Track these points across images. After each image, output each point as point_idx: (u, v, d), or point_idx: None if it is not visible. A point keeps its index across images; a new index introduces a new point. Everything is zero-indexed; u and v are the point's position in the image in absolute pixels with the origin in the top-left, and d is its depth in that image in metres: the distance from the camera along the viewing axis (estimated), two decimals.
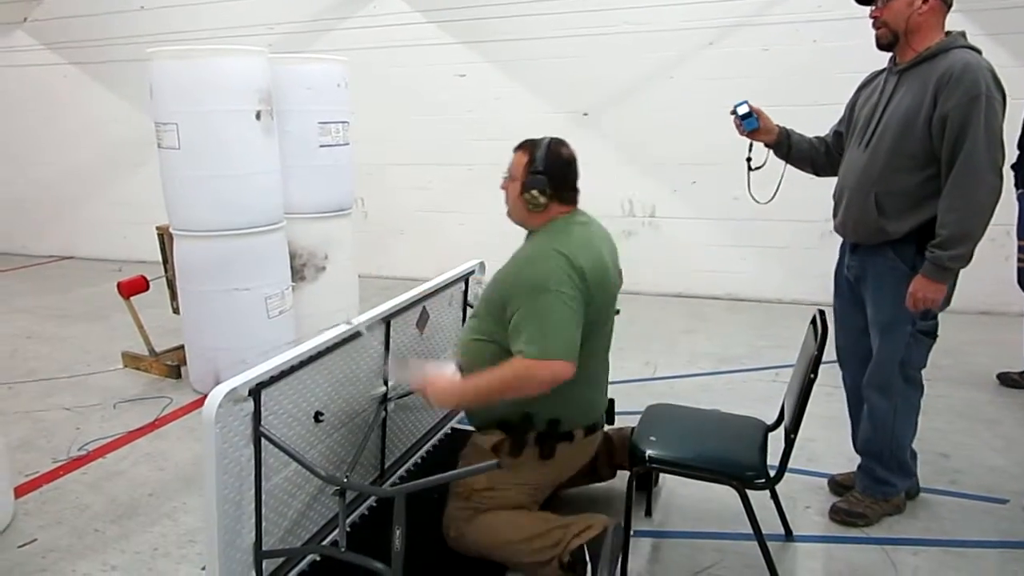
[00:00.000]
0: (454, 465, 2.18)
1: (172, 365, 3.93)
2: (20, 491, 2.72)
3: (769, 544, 2.06)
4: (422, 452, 2.81)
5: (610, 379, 3.51)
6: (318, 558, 2.17)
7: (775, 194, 2.55)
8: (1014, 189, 3.46)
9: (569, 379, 1.90)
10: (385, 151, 5.90)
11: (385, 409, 2.43)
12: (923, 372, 2.33)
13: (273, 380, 1.91)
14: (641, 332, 4.53)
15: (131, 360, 4.08)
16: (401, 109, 5.91)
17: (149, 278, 4.11)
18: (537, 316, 1.90)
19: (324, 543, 2.18)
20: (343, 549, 1.95)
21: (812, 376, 1.91)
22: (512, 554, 2.03)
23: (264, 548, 1.97)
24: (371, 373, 2.37)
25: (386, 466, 2.55)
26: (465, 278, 2.92)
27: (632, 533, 2.16)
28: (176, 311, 3.98)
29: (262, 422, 1.89)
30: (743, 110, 2.44)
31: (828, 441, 2.94)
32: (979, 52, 2.10)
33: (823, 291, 4.77)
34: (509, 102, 5.62)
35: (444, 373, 2.07)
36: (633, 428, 2.29)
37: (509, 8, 5.46)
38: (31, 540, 2.43)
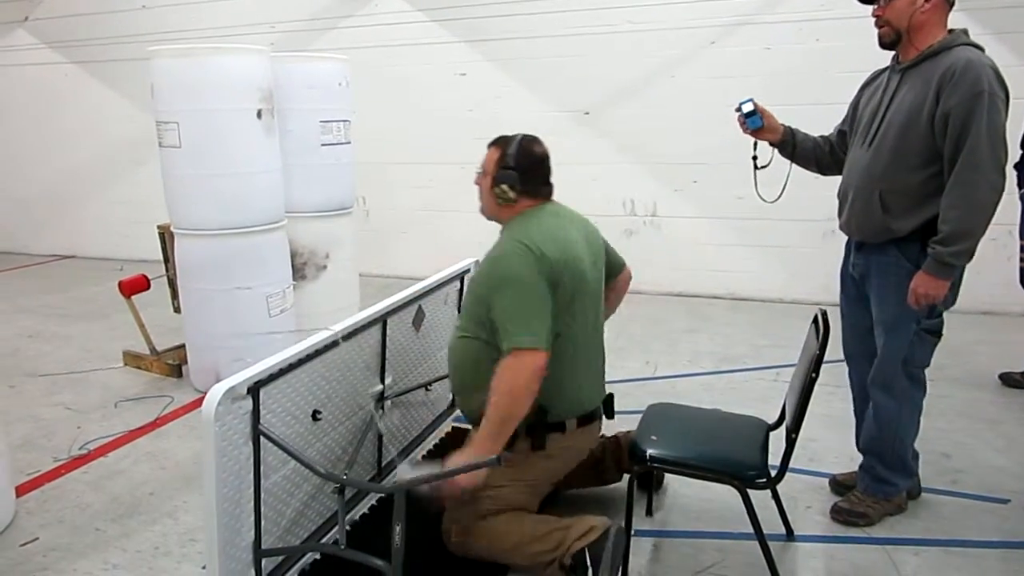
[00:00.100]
0: None
1: (173, 364, 3.93)
2: (21, 490, 2.73)
3: (770, 544, 2.06)
4: (421, 451, 2.81)
5: (612, 378, 3.50)
6: (318, 556, 2.17)
7: (782, 193, 2.54)
8: (1016, 189, 3.45)
9: (545, 366, 1.91)
10: (386, 150, 5.89)
11: (382, 407, 2.43)
12: (925, 372, 2.32)
13: (272, 378, 1.91)
14: (642, 331, 4.53)
15: (132, 359, 4.08)
16: (402, 108, 5.91)
17: (150, 277, 4.12)
18: (507, 311, 1.94)
19: (323, 541, 2.18)
20: (343, 547, 1.95)
21: (814, 375, 1.91)
22: (513, 557, 2.03)
23: (263, 546, 1.97)
24: (368, 371, 2.36)
25: (383, 464, 2.55)
26: (460, 277, 2.92)
27: (633, 532, 2.16)
28: (177, 310, 3.98)
29: (261, 420, 1.89)
30: (747, 108, 2.43)
31: (829, 441, 2.93)
32: (982, 50, 2.10)
33: (825, 290, 4.82)
34: (510, 101, 5.62)
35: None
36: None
37: (510, 7, 5.45)
38: (32, 539, 2.43)
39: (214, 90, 3.33)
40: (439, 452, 2.80)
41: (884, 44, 2.21)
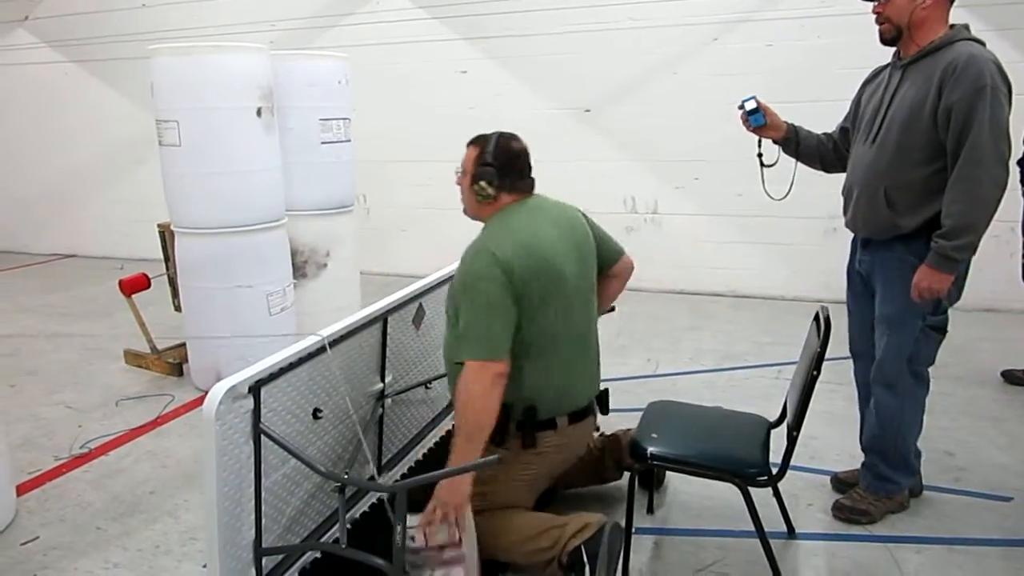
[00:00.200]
0: None
1: (174, 363, 3.92)
2: (22, 489, 2.73)
3: (771, 542, 2.05)
4: (422, 448, 2.80)
5: (613, 376, 3.50)
6: (319, 555, 2.17)
7: (789, 190, 2.53)
8: (1020, 186, 3.43)
9: (508, 372, 1.91)
10: (387, 148, 5.89)
11: (383, 405, 2.43)
12: (929, 369, 2.31)
13: (272, 377, 1.90)
14: (644, 329, 4.52)
15: (133, 358, 4.08)
16: (403, 106, 5.90)
17: (151, 276, 4.12)
18: (467, 320, 1.94)
19: (324, 540, 2.18)
20: (344, 546, 1.94)
21: (815, 373, 1.90)
22: (511, 555, 2.03)
23: (264, 545, 1.96)
24: (368, 370, 2.36)
25: (383, 462, 2.55)
26: None
27: (634, 530, 2.15)
28: (178, 308, 3.98)
29: (262, 419, 1.89)
30: (750, 106, 2.42)
31: (831, 438, 2.92)
32: (983, 45, 2.09)
33: (827, 288, 4.82)
34: (511, 99, 5.61)
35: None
36: None
37: (511, 4, 5.44)
38: (33, 538, 2.43)
39: (214, 88, 3.32)
40: (439, 451, 2.80)
41: (885, 41, 2.20)
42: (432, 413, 2.91)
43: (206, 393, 1.73)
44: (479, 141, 2.16)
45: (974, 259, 2.13)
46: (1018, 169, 3.43)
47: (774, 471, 2.01)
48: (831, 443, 2.89)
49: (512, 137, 2.17)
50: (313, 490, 2.18)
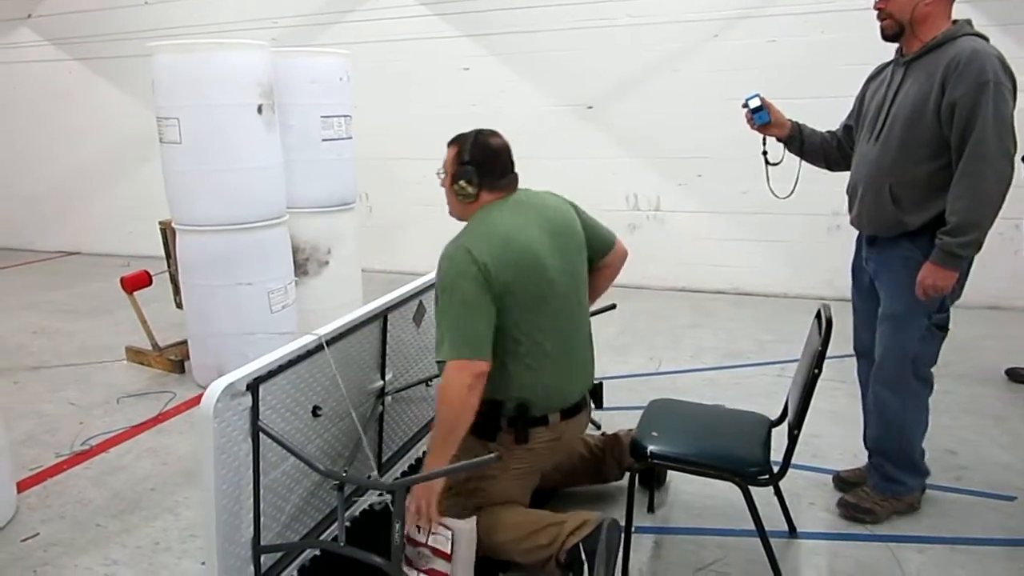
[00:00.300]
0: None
1: (175, 360, 3.93)
2: (23, 485, 2.74)
3: (773, 541, 2.04)
4: (422, 446, 2.80)
5: (615, 373, 3.49)
6: (318, 552, 2.17)
7: (794, 188, 2.52)
8: None
9: (488, 371, 1.88)
10: (390, 145, 5.88)
11: (383, 403, 2.42)
12: (932, 369, 2.29)
13: (271, 375, 1.90)
14: (646, 327, 4.51)
15: (135, 355, 4.08)
16: (406, 103, 5.89)
17: (154, 273, 4.12)
18: (445, 320, 1.93)
19: (323, 537, 2.18)
20: (342, 544, 1.94)
21: (816, 371, 1.89)
22: (508, 553, 2.02)
23: (263, 543, 1.96)
24: (368, 367, 2.36)
25: (384, 460, 2.54)
26: None
27: (634, 529, 2.14)
28: (179, 306, 3.98)
29: (260, 416, 1.88)
30: (755, 103, 2.40)
31: (834, 437, 2.91)
32: (987, 40, 2.06)
33: (830, 285, 4.80)
34: (513, 96, 5.59)
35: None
36: None
37: (513, 1, 5.42)
38: (33, 534, 2.44)
39: (214, 85, 3.32)
40: None
41: (887, 37, 2.18)
42: (432, 411, 2.90)
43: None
44: (458, 140, 2.12)
45: (978, 256, 2.10)
46: (1022, 165, 3.40)
47: (775, 470, 2.00)
48: (834, 442, 2.88)
49: (491, 134, 2.12)
50: (313, 488, 2.18)
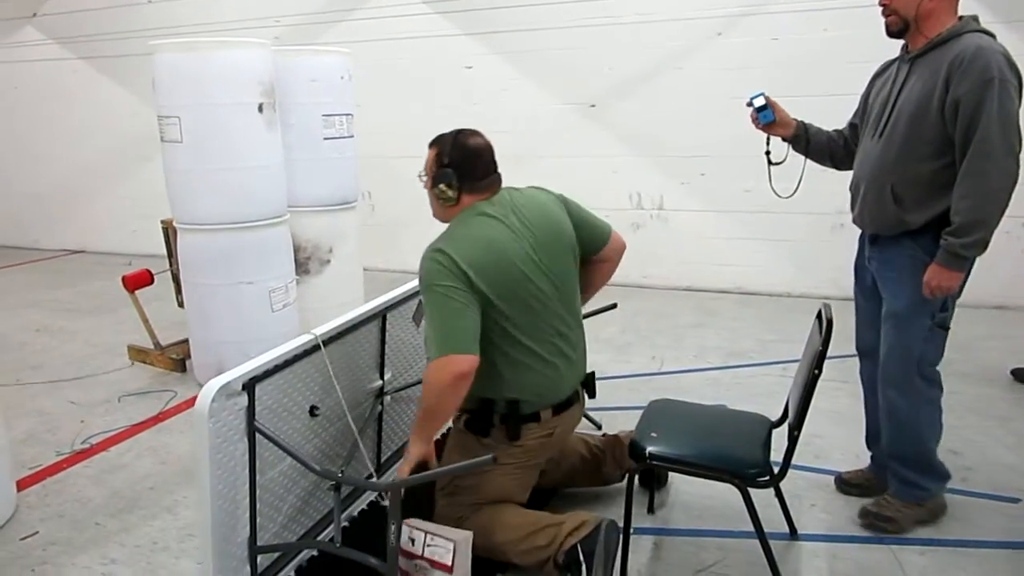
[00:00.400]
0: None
1: (177, 358, 3.93)
2: (24, 484, 2.74)
3: (773, 543, 2.02)
4: None
5: (617, 373, 3.48)
6: (316, 553, 2.16)
7: (797, 188, 2.49)
8: None
9: (472, 370, 1.87)
10: (393, 143, 5.87)
11: (381, 403, 2.41)
12: (938, 369, 2.24)
13: (267, 374, 1.89)
14: (648, 326, 4.49)
15: (136, 353, 4.09)
16: (409, 101, 5.88)
17: (156, 272, 4.13)
18: (429, 317, 1.91)
19: (320, 538, 2.17)
20: (338, 544, 1.93)
21: (816, 372, 1.86)
22: (506, 554, 2.01)
23: (259, 543, 1.96)
24: (367, 367, 2.35)
25: (382, 460, 2.53)
26: None
27: (632, 531, 2.13)
28: (181, 305, 3.98)
29: (256, 416, 1.88)
30: (759, 102, 2.37)
31: (836, 437, 2.89)
32: (993, 37, 2.03)
33: (834, 284, 4.76)
34: (516, 94, 5.58)
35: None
36: None
37: None
38: (32, 533, 2.44)
39: (215, 84, 3.32)
40: (438, 450, 2.78)
41: (891, 33, 2.15)
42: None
43: None
44: (437, 142, 2.08)
45: (984, 255, 2.07)
46: None
47: (776, 471, 1.98)
48: (836, 442, 2.86)
49: (471, 134, 2.08)
50: (310, 488, 2.17)
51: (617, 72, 5.29)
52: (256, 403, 1.88)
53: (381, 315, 2.36)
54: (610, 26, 5.20)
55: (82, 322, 4.90)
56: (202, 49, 3.34)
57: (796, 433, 1.93)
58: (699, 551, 2.23)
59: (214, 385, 1.75)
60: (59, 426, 3.27)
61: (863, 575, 2.10)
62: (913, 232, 2.12)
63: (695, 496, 2.51)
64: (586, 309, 3.14)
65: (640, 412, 2.33)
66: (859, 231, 2.38)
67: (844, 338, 2.44)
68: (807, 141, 2.43)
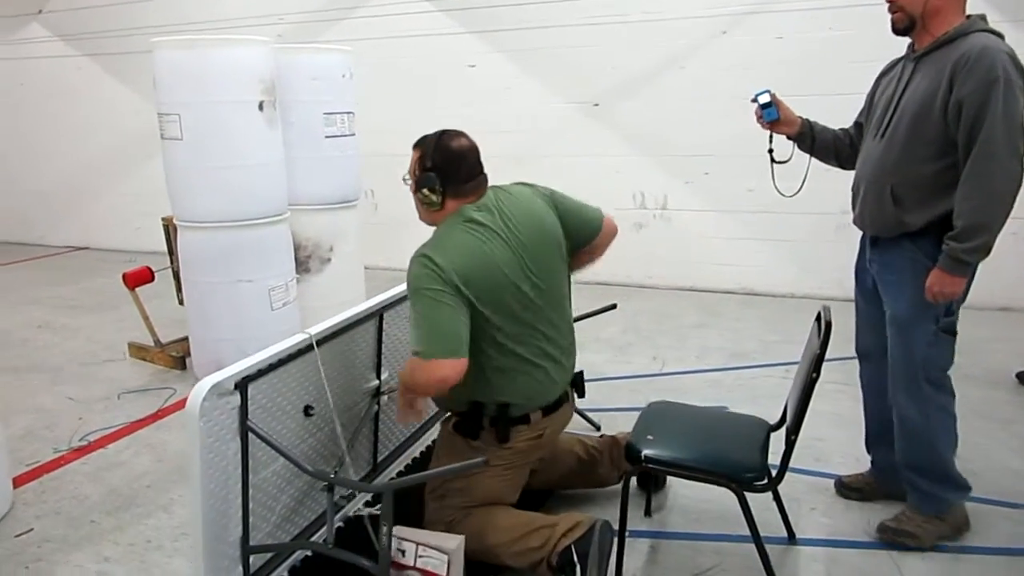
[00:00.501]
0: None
1: (177, 356, 3.93)
2: (21, 480, 2.74)
3: (772, 547, 2.01)
4: (419, 446, 2.78)
5: (618, 374, 3.45)
6: (310, 553, 2.15)
7: (801, 187, 2.45)
8: None
9: (463, 373, 1.86)
10: (396, 142, 5.80)
11: (378, 403, 2.40)
12: (948, 374, 2.20)
13: (261, 374, 1.88)
14: (650, 326, 4.47)
15: (137, 350, 4.09)
16: (412, 99, 5.87)
17: (157, 269, 4.13)
18: (416, 319, 1.89)
19: (314, 539, 2.15)
20: (330, 545, 1.92)
21: (814, 375, 1.84)
22: (499, 556, 1.99)
23: (252, 543, 1.94)
24: (363, 366, 2.33)
25: (379, 461, 2.52)
26: None
27: (628, 533, 2.10)
28: (182, 302, 3.97)
29: (249, 416, 1.87)
30: (764, 100, 2.33)
31: (837, 440, 2.86)
32: (1001, 36, 2.00)
33: (838, 285, 4.72)
34: (519, 92, 5.56)
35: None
36: None
37: None
38: (28, 530, 2.43)
39: (215, 82, 3.31)
40: (431, 453, 2.77)
41: (897, 30, 2.11)
42: (430, 412, 2.88)
43: None
44: (420, 144, 2.04)
45: (990, 256, 2.03)
46: None
47: (774, 474, 1.95)
48: (837, 445, 2.83)
49: (455, 135, 2.03)
50: (305, 488, 2.16)
51: (621, 71, 5.26)
52: (249, 402, 1.87)
53: (378, 314, 2.35)
54: (614, 24, 5.17)
55: (84, 319, 4.91)
56: (202, 46, 3.33)
57: (793, 437, 1.91)
58: (696, 555, 2.21)
59: (205, 384, 1.74)
60: (58, 423, 3.27)
61: None
62: (913, 234, 2.08)
63: (693, 499, 2.48)
64: (586, 308, 3.14)
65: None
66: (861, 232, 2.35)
67: (846, 340, 2.41)
68: (812, 139, 2.40)
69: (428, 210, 2.04)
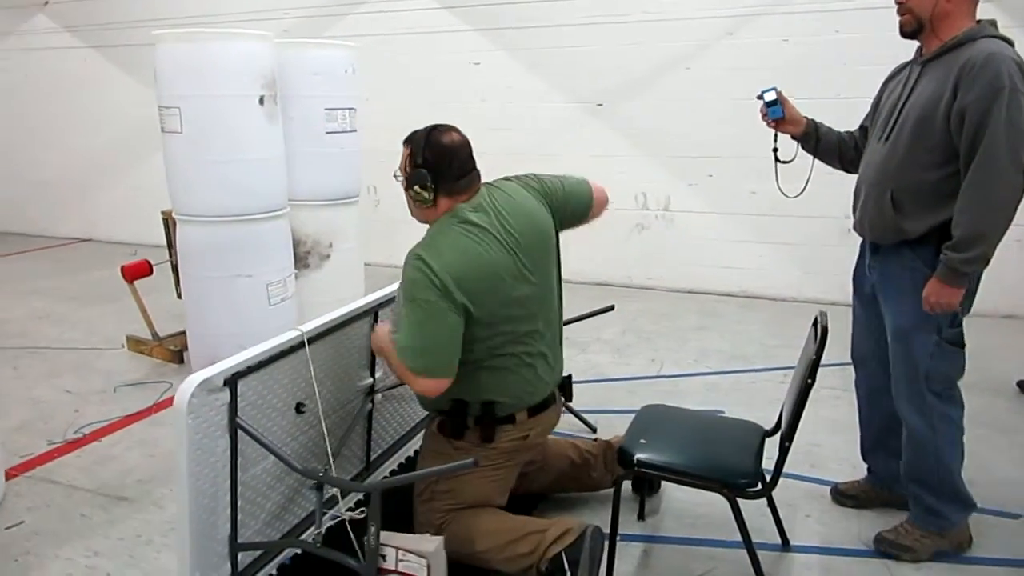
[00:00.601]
0: None
1: (175, 350, 3.93)
2: (13, 472, 2.74)
3: (766, 553, 1.99)
4: (413, 445, 2.76)
5: (615, 376, 3.43)
6: (300, 552, 2.14)
7: (804, 188, 2.41)
8: None
9: (444, 389, 1.89)
10: (399, 139, 5.82)
11: (372, 401, 2.38)
12: (958, 385, 2.15)
13: (251, 370, 1.87)
14: (650, 328, 4.44)
15: (135, 344, 4.09)
16: (415, 96, 5.86)
17: (155, 263, 4.12)
18: (406, 325, 1.88)
19: (303, 537, 2.14)
20: (318, 544, 1.91)
21: (809, 381, 1.82)
22: (488, 562, 1.98)
23: (240, 540, 1.93)
24: (357, 364, 2.32)
25: (371, 459, 2.50)
26: None
27: (619, 537, 2.09)
28: (180, 296, 3.97)
29: (239, 412, 1.85)
30: (770, 97, 2.30)
31: (833, 447, 2.83)
32: (1011, 43, 1.95)
33: (841, 290, 4.64)
34: (522, 91, 5.54)
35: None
36: None
37: None
38: (18, 522, 2.43)
39: (215, 75, 3.29)
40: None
41: (905, 33, 2.07)
42: (422, 411, 2.86)
43: None
44: (410, 140, 2.01)
45: (992, 264, 1.99)
46: None
47: (767, 478, 1.93)
48: (834, 452, 2.80)
49: (446, 130, 1.99)
50: (296, 485, 2.15)
51: (625, 71, 5.24)
52: (239, 399, 1.85)
53: (373, 312, 2.33)
54: (619, 24, 5.15)
55: (84, 311, 4.91)
56: (202, 40, 3.32)
57: (787, 443, 1.88)
58: (689, 560, 2.19)
59: (193, 381, 1.73)
60: (53, 415, 3.27)
61: None
62: (913, 243, 2.04)
63: (687, 503, 2.46)
64: (585, 309, 3.12)
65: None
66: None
67: (845, 345, 2.39)
68: (816, 140, 2.36)
69: (420, 207, 2.00)
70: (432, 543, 1.89)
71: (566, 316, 2.36)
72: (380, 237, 5.65)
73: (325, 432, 2.11)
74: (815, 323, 1.97)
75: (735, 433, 2.14)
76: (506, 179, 2.14)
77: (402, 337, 1.88)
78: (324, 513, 2.02)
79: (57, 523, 2.43)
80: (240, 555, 1.95)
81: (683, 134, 5.13)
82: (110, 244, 7.23)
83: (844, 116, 2.55)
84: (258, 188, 3.51)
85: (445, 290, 1.83)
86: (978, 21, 2.00)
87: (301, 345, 2.02)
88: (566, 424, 2.90)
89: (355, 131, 4.18)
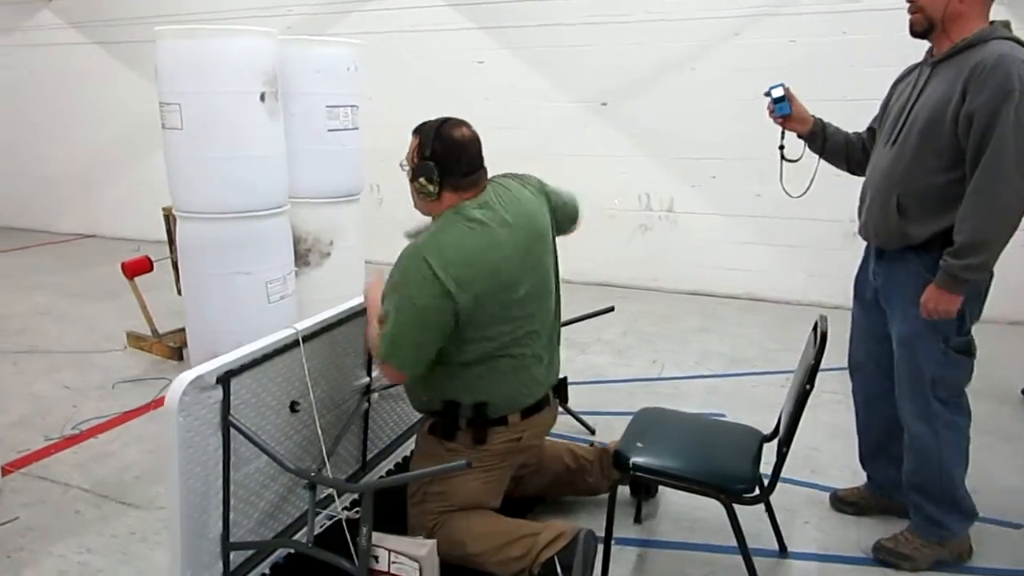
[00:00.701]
0: None
1: (174, 347, 3.92)
2: (10, 468, 2.73)
3: (763, 560, 1.97)
4: (410, 445, 2.74)
5: (615, 377, 3.41)
6: (293, 551, 2.12)
7: (808, 188, 2.38)
8: None
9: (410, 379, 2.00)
10: (403, 137, 5.78)
11: (368, 400, 2.37)
12: (966, 393, 2.10)
13: (244, 368, 1.86)
14: (651, 330, 4.42)
15: (135, 340, 4.08)
16: (419, 94, 5.84)
17: (156, 259, 4.11)
18: (390, 315, 1.88)
19: (296, 537, 2.13)
20: (310, 544, 1.89)
21: (808, 386, 1.79)
22: (482, 565, 1.96)
23: (233, 539, 1.92)
24: (353, 363, 2.30)
25: (367, 459, 2.49)
26: None
27: (614, 541, 2.07)
28: (180, 292, 3.96)
29: (232, 411, 1.84)
30: (777, 93, 2.26)
31: (833, 452, 2.81)
32: (1023, 44, 1.91)
33: (844, 294, 4.58)
34: (526, 90, 5.51)
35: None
36: None
37: None
38: (13, 518, 2.42)
39: (216, 72, 3.28)
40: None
41: (915, 33, 2.02)
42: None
43: None
44: (420, 131, 2.00)
45: (999, 269, 1.96)
46: None
47: (766, 484, 1.91)
48: (833, 457, 2.77)
49: (456, 124, 1.97)
50: (290, 485, 2.14)
51: (630, 71, 5.21)
52: (232, 397, 1.85)
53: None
54: (624, 24, 5.12)
55: (85, 307, 4.91)
56: (203, 36, 3.31)
57: (785, 449, 1.86)
58: (685, 565, 2.16)
59: (185, 378, 1.72)
60: (51, 411, 3.27)
61: None
62: (918, 248, 2.01)
63: (685, 507, 2.44)
64: (587, 309, 3.10)
65: None
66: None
67: (847, 350, 2.36)
68: (824, 140, 2.32)
69: (424, 199, 1.99)
70: (424, 547, 1.87)
71: (565, 316, 2.35)
72: (382, 236, 5.63)
73: (319, 431, 2.10)
74: (815, 328, 1.94)
75: (732, 437, 2.11)
76: (506, 175, 2.12)
77: (387, 327, 1.89)
78: (317, 513, 2.02)
79: (52, 519, 2.42)
80: (232, 554, 1.94)
81: (687, 135, 5.10)
82: (113, 240, 7.23)
83: (851, 118, 2.51)
84: (259, 185, 3.49)
85: (445, 290, 1.82)
86: (991, 22, 1.96)
87: (295, 343, 2.01)
88: (565, 426, 2.88)
89: (357, 129, 4.16)
